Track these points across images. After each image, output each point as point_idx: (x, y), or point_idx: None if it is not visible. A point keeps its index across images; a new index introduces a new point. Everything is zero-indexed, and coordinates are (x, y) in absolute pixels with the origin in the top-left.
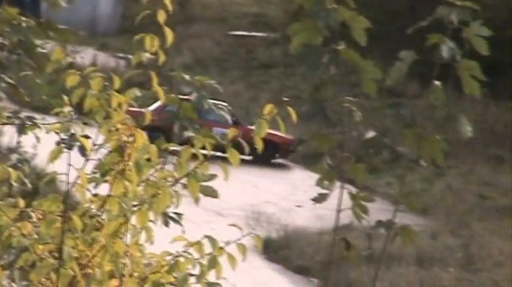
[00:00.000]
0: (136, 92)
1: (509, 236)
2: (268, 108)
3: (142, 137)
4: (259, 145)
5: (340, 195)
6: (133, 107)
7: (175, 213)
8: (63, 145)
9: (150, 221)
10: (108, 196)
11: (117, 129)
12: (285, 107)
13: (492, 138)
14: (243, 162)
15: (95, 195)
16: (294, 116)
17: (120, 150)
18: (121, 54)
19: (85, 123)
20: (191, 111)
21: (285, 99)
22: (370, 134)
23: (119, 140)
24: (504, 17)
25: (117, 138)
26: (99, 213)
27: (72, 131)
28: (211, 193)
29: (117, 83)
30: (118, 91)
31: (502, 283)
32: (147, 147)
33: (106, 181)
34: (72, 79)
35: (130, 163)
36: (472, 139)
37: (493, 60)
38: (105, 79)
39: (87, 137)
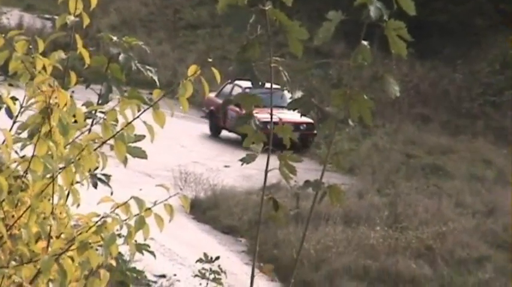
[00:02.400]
0: (62, 54)
1: (435, 194)
2: (192, 69)
3: (65, 97)
4: (185, 106)
5: (268, 155)
6: None
7: (103, 174)
8: None
9: (78, 182)
10: (33, 156)
11: (41, 91)
12: (210, 68)
13: (418, 97)
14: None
15: (22, 157)
16: (218, 77)
17: (45, 111)
18: (47, 16)
19: (10, 85)
20: (119, 73)
21: (210, 59)
22: (298, 94)
23: (44, 102)
24: None
25: (41, 99)
26: (24, 174)
27: None
28: (140, 154)
29: (41, 46)
30: (43, 53)
31: (428, 241)
32: (74, 109)
33: (32, 143)
34: None
35: (54, 124)
36: (398, 99)
37: (418, 20)
38: (30, 42)
39: (14, 99)
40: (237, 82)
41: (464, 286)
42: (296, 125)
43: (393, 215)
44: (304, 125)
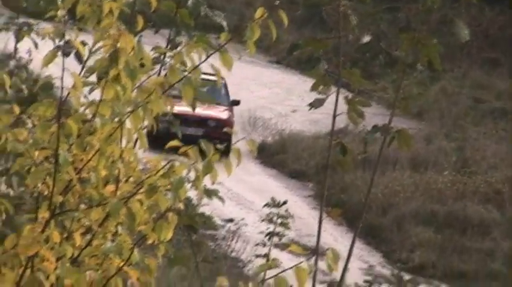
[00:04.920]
0: None
1: (503, 139)
2: (259, 12)
3: (132, 41)
4: (252, 50)
5: (336, 100)
6: None
7: (171, 119)
8: (58, 51)
9: (145, 127)
10: (101, 100)
11: (108, 35)
12: (277, 12)
13: (487, 41)
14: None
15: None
16: (285, 21)
17: (112, 55)
18: None
19: (80, 29)
20: (187, 17)
21: (277, 2)
22: (366, 38)
23: (111, 45)
24: None
25: (108, 43)
26: (93, 118)
27: (68, 38)
28: (208, 99)
29: None
30: None
31: (496, 185)
32: (141, 53)
33: (99, 86)
34: None
35: (121, 68)
36: (467, 43)
37: None
38: None
39: (83, 43)
40: None
41: None
42: (203, 121)
43: (461, 160)
44: (213, 122)
